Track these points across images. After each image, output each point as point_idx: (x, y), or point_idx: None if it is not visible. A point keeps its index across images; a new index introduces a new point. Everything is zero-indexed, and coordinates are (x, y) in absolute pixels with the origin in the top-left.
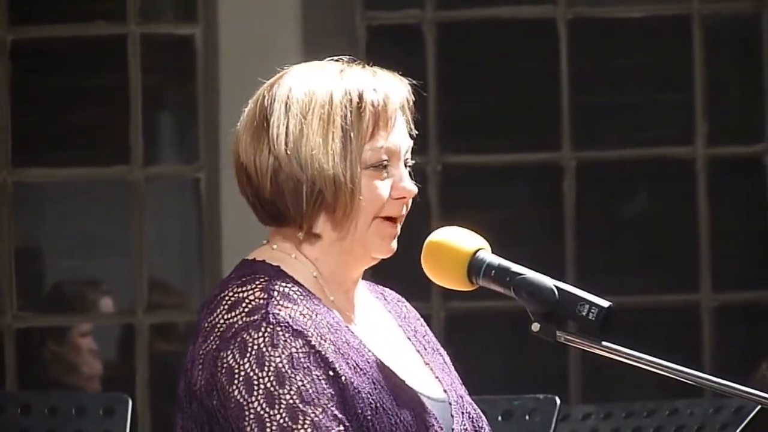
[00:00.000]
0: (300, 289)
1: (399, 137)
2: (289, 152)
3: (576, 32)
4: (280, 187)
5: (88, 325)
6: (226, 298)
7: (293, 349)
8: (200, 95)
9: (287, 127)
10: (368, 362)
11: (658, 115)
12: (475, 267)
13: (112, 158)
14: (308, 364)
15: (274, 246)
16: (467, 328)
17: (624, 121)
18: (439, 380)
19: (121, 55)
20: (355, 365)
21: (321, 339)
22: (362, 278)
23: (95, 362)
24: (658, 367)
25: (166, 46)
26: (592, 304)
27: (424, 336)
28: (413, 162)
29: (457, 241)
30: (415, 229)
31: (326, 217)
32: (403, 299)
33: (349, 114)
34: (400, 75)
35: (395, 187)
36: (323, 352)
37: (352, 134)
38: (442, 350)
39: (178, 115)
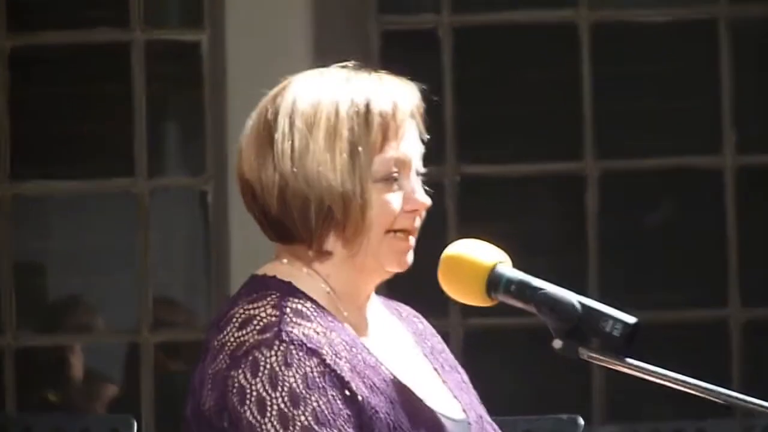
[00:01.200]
0: (313, 306)
1: (409, 146)
2: (295, 169)
3: (598, 37)
4: (287, 205)
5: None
6: (237, 315)
7: (307, 368)
8: (207, 104)
9: (292, 143)
10: (385, 381)
11: (685, 123)
12: (494, 282)
13: (116, 170)
14: (323, 383)
15: (284, 260)
16: (487, 345)
17: (649, 129)
18: (458, 399)
19: (125, 63)
20: (371, 384)
21: (336, 357)
22: (376, 293)
23: (89, 379)
24: (685, 384)
25: (172, 53)
26: (616, 319)
27: (441, 353)
28: (427, 171)
29: (475, 255)
30: (431, 242)
31: (336, 234)
32: (419, 315)
33: (356, 126)
34: (414, 81)
35: (407, 199)
36: (339, 371)
37: (360, 147)
38: (460, 368)
39: (184, 125)
